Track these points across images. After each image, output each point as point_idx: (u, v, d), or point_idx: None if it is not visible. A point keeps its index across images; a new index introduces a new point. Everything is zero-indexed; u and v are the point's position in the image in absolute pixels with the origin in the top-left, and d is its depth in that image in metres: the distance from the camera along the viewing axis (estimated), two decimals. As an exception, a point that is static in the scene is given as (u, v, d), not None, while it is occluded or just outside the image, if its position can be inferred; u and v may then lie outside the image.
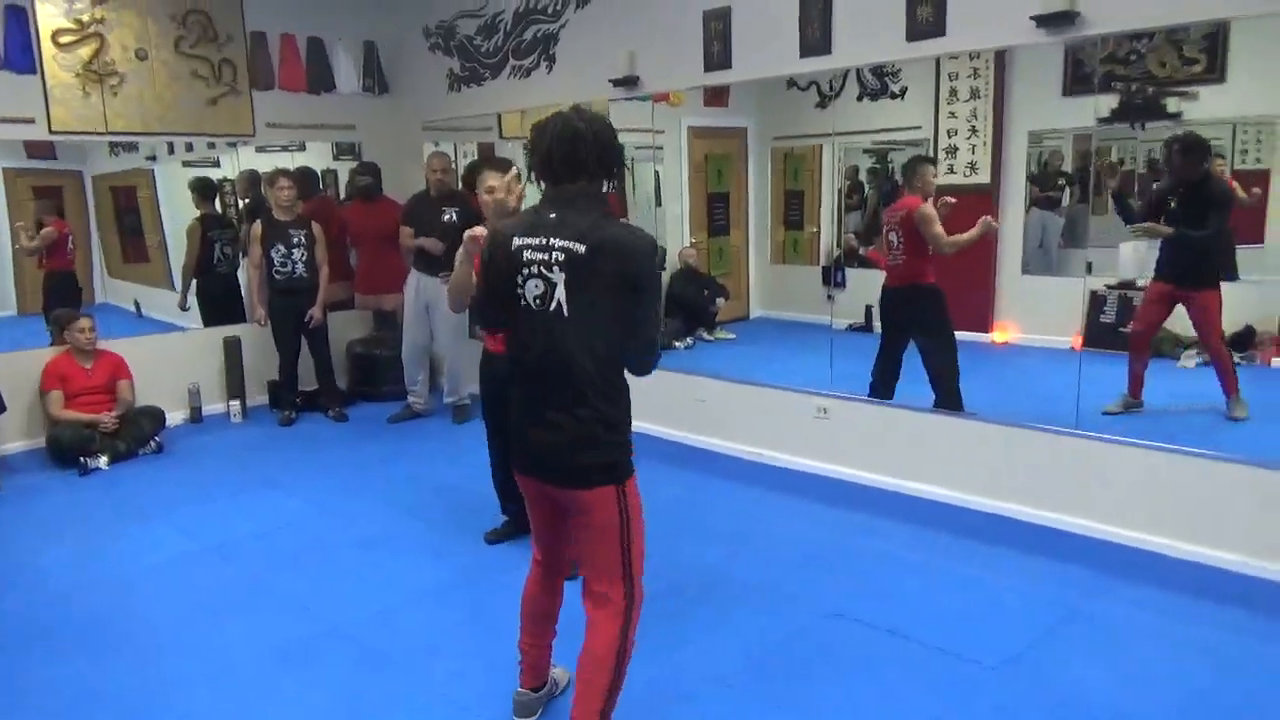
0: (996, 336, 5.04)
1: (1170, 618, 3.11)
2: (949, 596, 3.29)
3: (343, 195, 6.89)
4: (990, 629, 3.04)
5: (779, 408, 4.82)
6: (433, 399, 6.11)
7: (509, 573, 3.25)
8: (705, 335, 6.61)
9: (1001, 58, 4.91)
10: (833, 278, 6.53)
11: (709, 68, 4.84)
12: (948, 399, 4.31)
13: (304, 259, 5.84)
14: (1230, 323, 4.36)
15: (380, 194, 6.41)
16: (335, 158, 6.93)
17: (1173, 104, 4.70)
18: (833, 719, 2.57)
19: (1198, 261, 4.21)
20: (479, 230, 2.69)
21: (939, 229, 4.42)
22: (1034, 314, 4.42)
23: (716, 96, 5.96)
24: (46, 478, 5.01)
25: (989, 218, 4.53)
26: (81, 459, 5.02)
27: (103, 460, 5.08)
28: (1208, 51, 4.53)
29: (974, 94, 5.27)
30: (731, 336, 6.66)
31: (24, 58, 5.32)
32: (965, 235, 4.43)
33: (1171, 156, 4.38)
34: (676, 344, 6.34)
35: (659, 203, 6.75)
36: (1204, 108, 4.62)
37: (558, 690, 2.66)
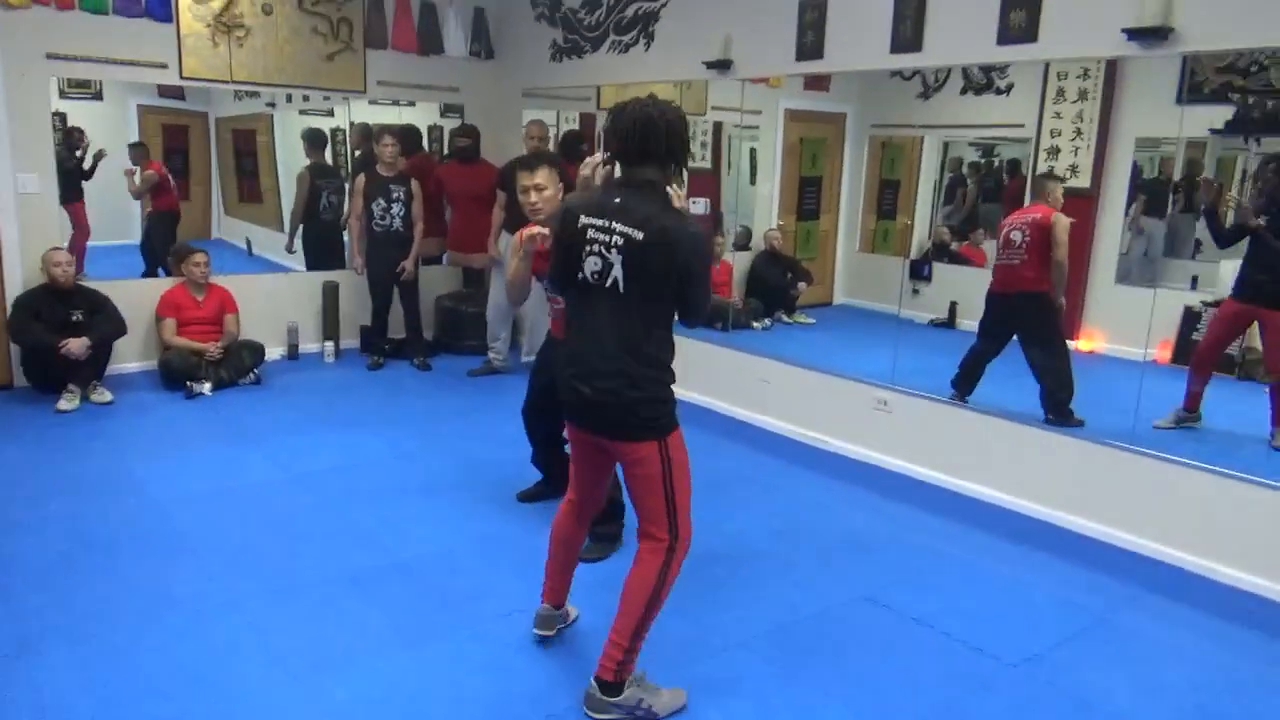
0: (1082, 344, 4.97)
1: (1195, 635, 3.13)
2: (981, 593, 3.36)
3: (445, 151, 7.16)
4: (1016, 628, 3.11)
5: (840, 396, 4.90)
6: (512, 357, 6.37)
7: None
8: (784, 318, 6.64)
9: (1113, 61, 4.81)
10: (920, 271, 6.48)
11: (800, 57, 4.88)
12: (1058, 409, 4.27)
13: (401, 214, 6.13)
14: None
15: (478, 157, 6.63)
16: (442, 115, 7.20)
17: (1294, 120, 4.53)
18: (847, 694, 2.70)
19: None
20: (536, 229, 2.81)
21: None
22: (1122, 324, 4.36)
23: (818, 81, 5.95)
24: (156, 397, 5.45)
25: None
26: (188, 383, 5.45)
27: (206, 386, 5.50)
28: (1336, 67, 4.36)
29: (1082, 95, 5.14)
30: (811, 321, 6.68)
31: (162, 8, 5.70)
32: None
33: (1269, 175, 4.25)
34: (754, 324, 6.40)
35: (752, 181, 6.81)
36: (1326, 127, 4.45)
37: (569, 621, 2.96)
